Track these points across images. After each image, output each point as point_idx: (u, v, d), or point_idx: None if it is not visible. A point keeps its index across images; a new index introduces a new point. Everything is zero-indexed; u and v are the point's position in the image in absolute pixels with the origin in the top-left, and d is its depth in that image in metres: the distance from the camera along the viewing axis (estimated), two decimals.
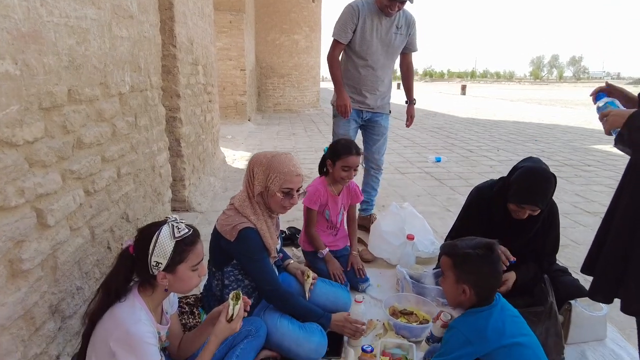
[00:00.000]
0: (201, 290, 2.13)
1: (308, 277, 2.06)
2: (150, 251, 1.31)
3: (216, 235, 1.83)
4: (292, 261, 2.22)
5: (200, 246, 1.41)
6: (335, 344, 1.98)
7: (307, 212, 2.52)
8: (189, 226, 1.41)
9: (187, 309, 1.99)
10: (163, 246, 1.31)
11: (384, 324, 2.11)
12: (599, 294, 1.43)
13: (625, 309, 1.35)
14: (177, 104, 3.60)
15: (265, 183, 1.80)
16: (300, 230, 2.83)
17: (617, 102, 1.42)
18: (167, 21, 3.41)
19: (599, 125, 1.65)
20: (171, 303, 1.60)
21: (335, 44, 3.04)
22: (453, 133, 9.61)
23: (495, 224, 2.08)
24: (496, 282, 1.48)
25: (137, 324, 1.26)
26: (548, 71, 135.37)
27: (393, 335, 1.99)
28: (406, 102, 3.36)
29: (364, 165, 3.42)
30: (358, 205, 3.52)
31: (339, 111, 3.05)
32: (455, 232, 2.29)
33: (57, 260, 1.59)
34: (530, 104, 20.65)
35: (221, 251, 1.83)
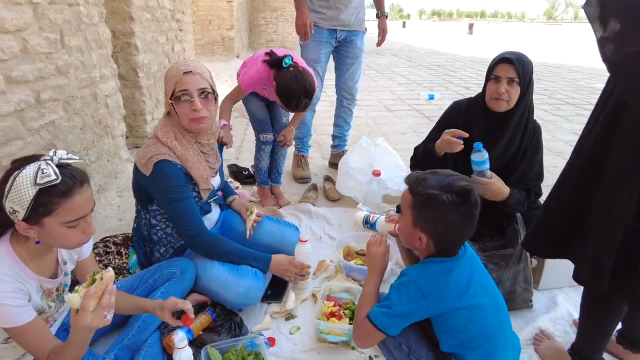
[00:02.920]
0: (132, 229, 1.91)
1: (251, 213, 1.83)
2: (5, 192, 1.03)
3: (135, 169, 1.57)
4: (237, 197, 1.99)
5: (80, 198, 1.08)
6: (281, 286, 1.80)
7: (237, 90, 2.21)
8: (68, 169, 1.08)
9: (113, 249, 1.78)
10: (20, 191, 1.02)
11: (336, 265, 1.92)
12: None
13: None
14: (131, 28, 3.21)
15: (166, 99, 1.53)
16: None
17: None
18: None
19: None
20: (78, 249, 1.35)
21: None
22: (452, 71, 9.09)
23: (471, 132, 1.85)
24: (464, 235, 1.18)
25: None
26: (563, 10, 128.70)
27: (343, 278, 1.80)
28: (377, 15, 2.96)
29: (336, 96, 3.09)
30: (330, 142, 3.25)
31: (298, 32, 2.67)
32: (424, 145, 2.04)
33: None
34: (540, 43, 19.62)
35: (142, 188, 1.58)
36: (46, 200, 1.03)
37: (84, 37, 2.40)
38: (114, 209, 2.47)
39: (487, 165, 1.74)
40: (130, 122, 3.41)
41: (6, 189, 1.02)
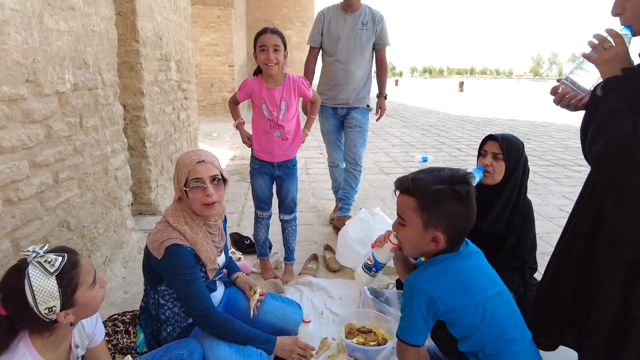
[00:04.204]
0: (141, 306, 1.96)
1: (255, 292, 1.89)
2: (32, 304, 1.09)
3: (146, 252, 1.66)
4: (241, 274, 2.06)
5: (84, 260, 1.22)
6: None
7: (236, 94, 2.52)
8: (59, 251, 1.18)
9: (121, 328, 1.82)
10: (45, 290, 1.10)
11: (338, 344, 1.95)
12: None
13: None
14: (141, 102, 3.41)
15: (178, 186, 1.66)
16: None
17: None
18: (129, 15, 3.23)
19: None
20: (90, 335, 1.42)
21: (310, 50, 3.30)
22: (444, 131, 9.43)
23: None
24: (471, 222, 1.19)
25: None
26: (548, 68, 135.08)
27: (345, 358, 1.83)
28: (377, 96, 3.40)
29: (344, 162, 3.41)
30: (332, 207, 3.39)
31: None
32: None
33: None
34: (528, 100, 20.45)
35: (153, 269, 1.66)
36: (68, 279, 1.14)
37: (100, 116, 2.57)
38: (119, 281, 2.52)
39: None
40: (135, 189, 3.52)
41: (30, 301, 1.09)
